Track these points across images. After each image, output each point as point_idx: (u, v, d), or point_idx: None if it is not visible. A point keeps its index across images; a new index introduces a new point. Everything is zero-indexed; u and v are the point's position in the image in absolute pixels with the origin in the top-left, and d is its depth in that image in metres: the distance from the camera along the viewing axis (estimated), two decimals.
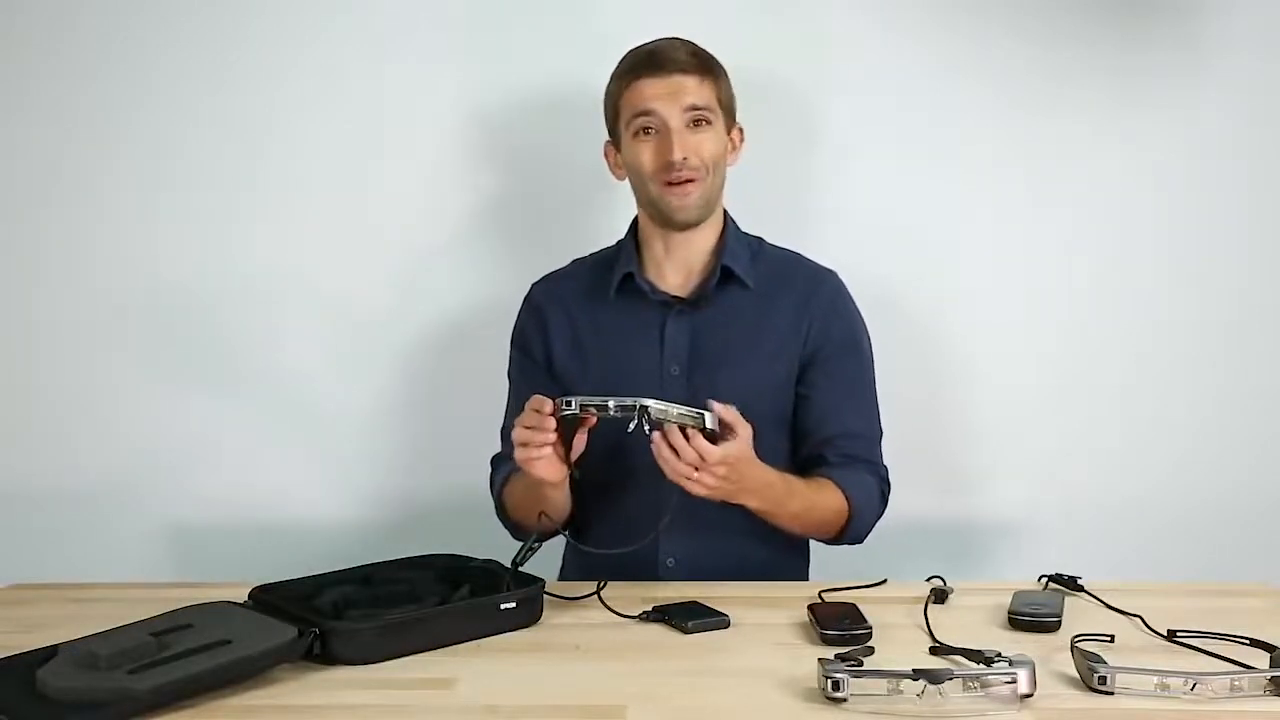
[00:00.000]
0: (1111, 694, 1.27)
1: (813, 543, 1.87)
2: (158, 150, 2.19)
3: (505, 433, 1.84)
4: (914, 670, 1.25)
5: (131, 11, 2.16)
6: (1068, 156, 2.14)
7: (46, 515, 2.21)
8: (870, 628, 1.45)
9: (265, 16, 2.16)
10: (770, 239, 1.90)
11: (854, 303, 1.87)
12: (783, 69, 2.12)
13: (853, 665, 1.29)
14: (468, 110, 2.18)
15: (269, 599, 1.49)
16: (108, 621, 1.43)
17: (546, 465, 1.59)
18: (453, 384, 2.21)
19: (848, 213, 2.14)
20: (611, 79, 1.82)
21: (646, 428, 1.52)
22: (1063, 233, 2.16)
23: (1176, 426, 2.18)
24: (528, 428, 1.58)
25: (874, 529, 1.82)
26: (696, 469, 1.54)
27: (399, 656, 1.40)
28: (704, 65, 1.78)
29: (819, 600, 1.57)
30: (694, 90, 1.76)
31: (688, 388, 1.77)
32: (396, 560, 1.65)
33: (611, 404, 1.53)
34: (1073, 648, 1.35)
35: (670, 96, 1.75)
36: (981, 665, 1.28)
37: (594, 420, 1.58)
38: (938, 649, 1.40)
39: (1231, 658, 1.37)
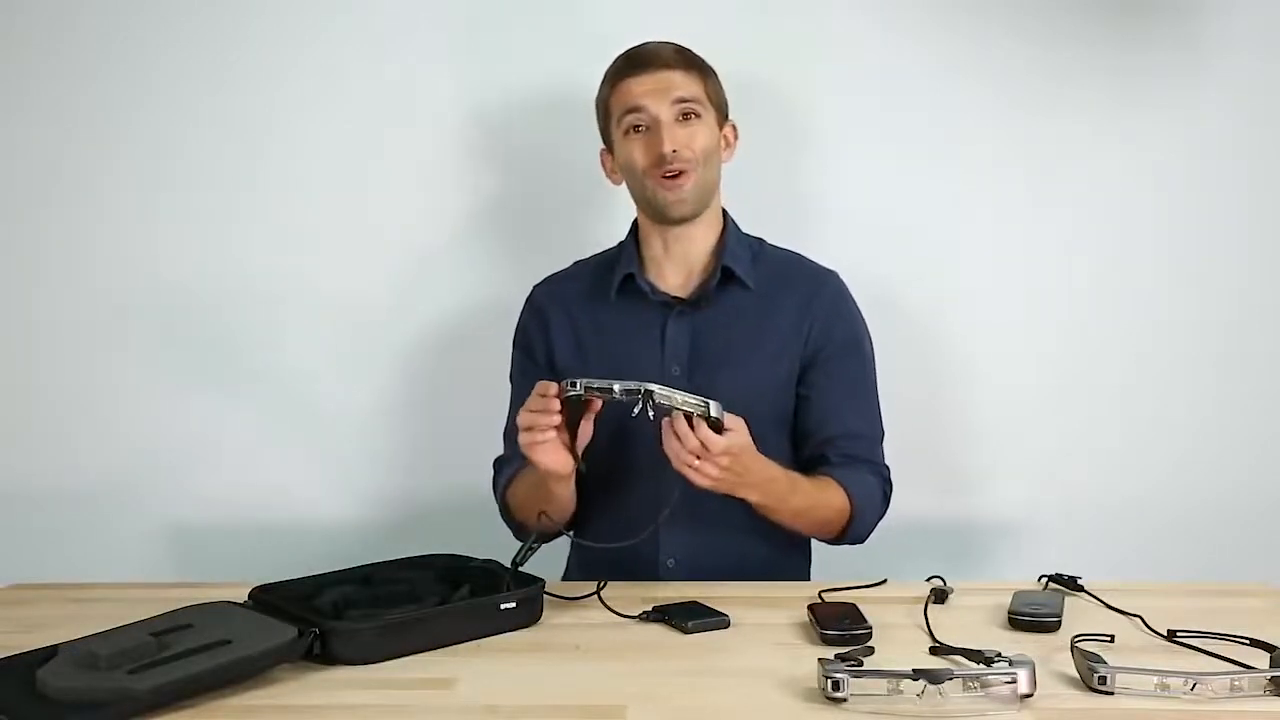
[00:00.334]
0: (1111, 694, 1.27)
1: (814, 542, 1.87)
2: (158, 150, 2.19)
3: (508, 434, 1.84)
4: (914, 670, 1.25)
5: (131, 11, 2.16)
6: (1068, 156, 2.14)
7: (46, 515, 2.21)
8: (870, 628, 1.45)
9: (265, 16, 2.16)
10: (770, 239, 1.90)
11: (855, 303, 1.87)
12: (782, 69, 2.13)
13: (853, 665, 1.29)
14: (467, 110, 2.18)
15: (269, 599, 1.49)
16: (108, 621, 1.42)
17: (551, 452, 1.59)
18: (452, 384, 2.21)
19: (847, 213, 2.14)
20: (601, 84, 1.83)
21: (651, 413, 1.52)
22: (1063, 233, 2.16)
23: (1176, 426, 2.18)
24: (533, 411, 1.58)
25: (875, 529, 1.82)
26: (699, 458, 1.54)
27: (399, 656, 1.40)
28: (689, 61, 1.79)
29: (819, 600, 1.57)
30: (681, 84, 1.77)
31: (688, 389, 1.76)
32: (396, 560, 1.65)
33: (617, 387, 1.53)
34: (1073, 648, 1.35)
35: (658, 92, 1.76)
36: (981, 665, 1.28)
37: (599, 405, 1.59)
38: (938, 649, 1.40)
39: (1231, 658, 1.37)
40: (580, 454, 1.63)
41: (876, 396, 1.86)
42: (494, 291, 2.14)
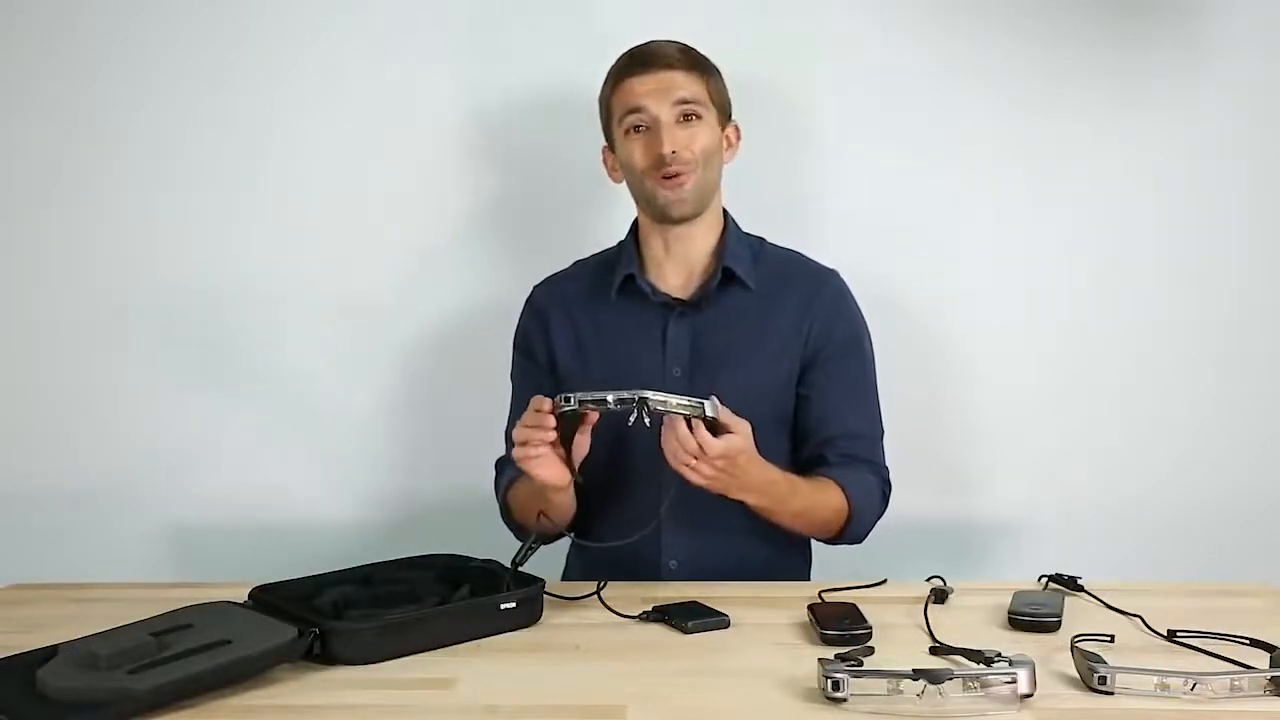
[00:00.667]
0: (1111, 694, 1.27)
1: (814, 543, 1.87)
2: (158, 150, 2.19)
3: (509, 435, 1.84)
4: (914, 670, 1.25)
5: (131, 12, 2.16)
6: (1067, 156, 2.14)
7: (46, 515, 2.22)
8: (870, 628, 1.45)
9: (265, 16, 2.16)
10: (770, 239, 1.90)
11: (856, 303, 1.87)
12: (782, 69, 2.12)
13: (853, 665, 1.29)
14: (468, 110, 2.18)
15: (269, 599, 1.49)
16: (108, 621, 1.42)
17: (546, 466, 1.59)
18: (452, 384, 2.21)
19: (848, 212, 2.14)
20: (603, 82, 1.83)
21: (647, 420, 1.52)
22: (1063, 233, 2.16)
23: (1176, 426, 2.18)
24: (528, 426, 1.58)
25: (874, 529, 1.81)
26: (696, 458, 1.54)
27: (399, 656, 1.40)
28: (692, 61, 1.79)
29: (819, 600, 1.57)
30: (682, 84, 1.76)
31: (689, 389, 1.75)
32: (396, 560, 1.65)
33: (610, 398, 1.53)
34: (1073, 648, 1.35)
35: (659, 92, 1.76)
36: (981, 665, 1.28)
37: (595, 417, 1.58)
38: (938, 649, 1.40)
39: (1231, 658, 1.37)
40: (577, 467, 1.63)
41: (876, 396, 1.86)
42: (494, 292, 2.14)
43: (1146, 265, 2.17)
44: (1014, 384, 2.18)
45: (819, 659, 1.30)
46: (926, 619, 1.51)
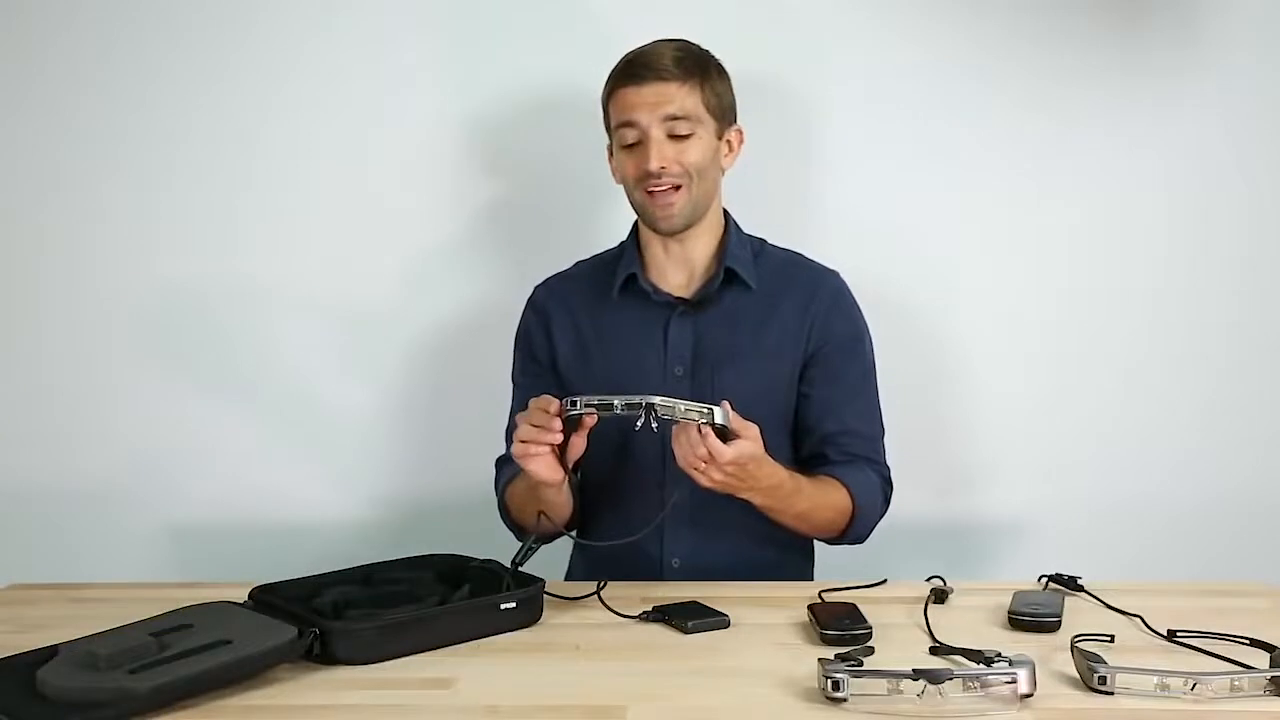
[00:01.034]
0: (1111, 694, 1.27)
1: (815, 542, 1.87)
2: (158, 150, 2.19)
3: (510, 435, 1.84)
4: (914, 670, 1.25)
5: (131, 13, 2.16)
6: (1068, 156, 2.14)
7: (46, 515, 2.22)
8: (870, 628, 1.45)
9: (265, 17, 2.16)
10: (770, 239, 1.90)
11: (856, 302, 1.87)
12: (782, 69, 2.13)
13: (853, 665, 1.29)
14: (469, 111, 2.17)
15: (269, 599, 1.49)
16: (108, 621, 1.43)
17: (544, 464, 1.59)
18: (453, 384, 2.21)
19: (847, 212, 2.14)
20: (605, 82, 1.82)
21: (654, 426, 1.51)
22: (1063, 232, 2.16)
23: (1176, 426, 2.18)
24: (534, 425, 1.58)
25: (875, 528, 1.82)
26: (706, 463, 1.54)
27: (399, 656, 1.40)
28: (689, 70, 1.76)
29: (819, 600, 1.57)
30: (675, 98, 1.74)
31: (691, 389, 1.77)
32: (396, 560, 1.65)
33: (618, 403, 1.52)
34: (1073, 648, 1.35)
35: (649, 106, 1.74)
36: (981, 665, 1.28)
37: (594, 420, 1.58)
38: (938, 649, 1.40)
39: (1231, 658, 1.37)
40: (571, 465, 1.63)
41: (877, 395, 1.86)
42: (494, 292, 2.14)
43: (1147, 265, 2.17)
44: (1014, 384, 2.18)
45: (819, 659, 1.30)
46: (926, 619, 1.51)
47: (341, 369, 2.22)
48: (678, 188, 1.75)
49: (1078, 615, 1.52)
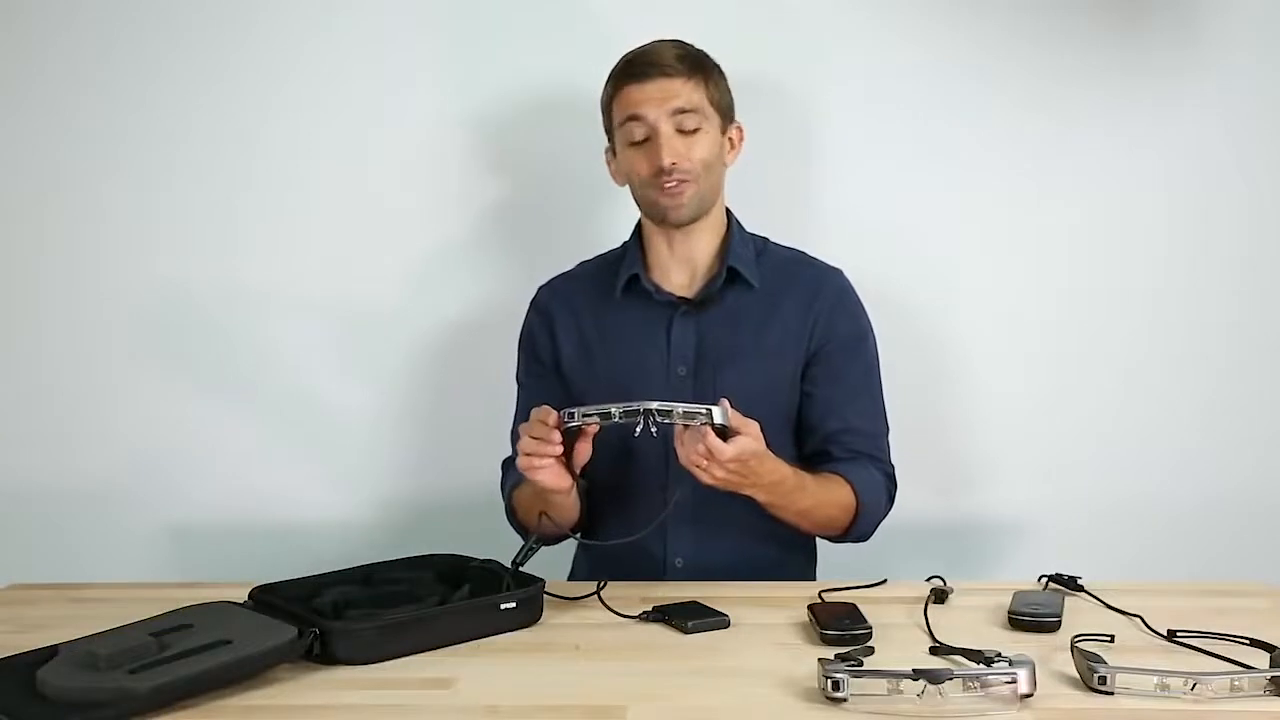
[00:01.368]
0: (1111, 694, 1.27)
1: (817, 541, 1.87)
2: (158, 150, 2.19)
3: (515, 436, 1.84)
4: (914, 670, 1.25)
5: (131, 13, 2.16)
6: (1067, 156, 2.14)
7: (46, 515, 2.22)
8: (870, 628, 1.45)
9: (266, 17, 2.16)
10: (773, 239, 1.90)
11: (859, 300, 1.87)
12: (782, 69, 2.13)
13: (853, 665, 1.29)
14: (470, 111, 2.17)
15: (269, 599, 1.49)
16: (108, 621, 1.43)
17: (550, 475, 1.60)
18: (453, 385, 2.21)
19: (847, 212, 2.14)
20: (604, 85, 1.82)
21: (653, 431, 1.51)
22: (1063, 232, 2.16)
23: (1176, 426, 2.18)
24: (534, 438, 1.58)
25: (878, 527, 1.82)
26: (707, 460, 1.54)
27: (399, 656, 1.40)
28: (692, 66, 1.77)
29: (819, 600, 1.57)
30: (681, 92, 1.75)
31: (694, 388, 1.77)
32: (396, 560, 1.65)
33: (615, 410, 1.52)
34: (1073, 648, 1.35)
35: (656, 101, 1.75)
36: (981, 665, 1.28)
37: (596, 428, 1.58)
38: (938, 649, 1.40)
39: (1231, 658, 1.37)
40: (579, 470, 1.63)
41: (881, 393, 1.86)
42: (495, 293, 2.14)
43: (1147, 265, 2.17)
44: (1014, 384, 2.18)
45: (819, 659, 1.30)
46: (926, 619, 1.51)
47: (341, 369, 2.22)
48: (687, 183, 1.75)
49: (1078, 615, 1.52)
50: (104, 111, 2.18)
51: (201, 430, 2.22)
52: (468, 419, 2.13)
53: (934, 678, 1.24)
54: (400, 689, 1.33)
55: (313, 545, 2.10)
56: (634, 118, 1.76)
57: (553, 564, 1.84)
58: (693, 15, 1.98)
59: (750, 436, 1.55)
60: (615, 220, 1.98)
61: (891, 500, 1.83)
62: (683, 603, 1.56)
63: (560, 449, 1.58)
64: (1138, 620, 1.50)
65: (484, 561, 1.61)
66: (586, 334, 1.86)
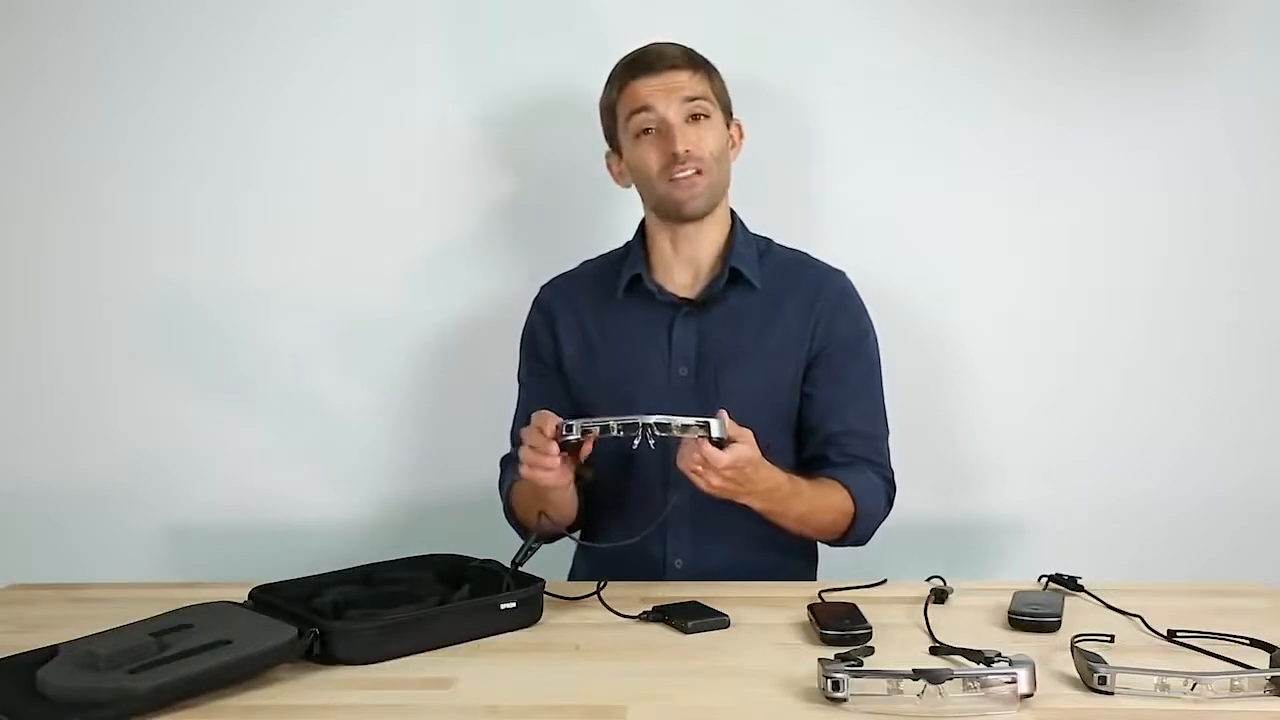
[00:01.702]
0: (1111, 694, 1.27)
1: (819, 546, 1.87)
2: (158, 150, 2.19)
3: (514, 434, 1.84)
4: (914, 670, 1.25)
5: (131, 13, 2.16)
6: (1067, 156, 2.14)
7: (46, 515, 2.22)
8: (870, 628, 1.45)
9: (265, 17, 2.16)
10: (774, 239, 1.90)
11: (861, 302, 1.87)
12: (783, 69, 2.13)
13: (853, 665, 1.29)
14: (470, 111, 2.17)
15: (269, 599, 1.49)
16: (108, 621, 1.43)
17: (552, 475, 1.59)
18: (453, 385, 2.21)
19: (848, 212, 2.14)
20: (605, 88, 1.82)
21: (652, 443, 1.51)
22: (1063, 232, 2.16)
23: (1176, 426, 2.18)
24: (531, 447, 1.57)
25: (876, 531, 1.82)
26: (703, 467, 1.54)
27: (399, 656, 1.40)
28: (696, 61, 1.79)
29: (819, 600, 1.57)
30: (689, 84, 1.76)
31: (695, 388, 1.77)
32: (396, 560, 1.65)
33: (614, 424, 1.52)
34: (1073, 648, 1.35)
35: (666, 92, 1.75)
36: (981, 665, 1.28)
37: (596, 435, 1.58)
38: (938, 649, 1.40)
39: (1231, 658, 1.37)
40: (583, 460, 1.62)
41: (882, 396, 1.85)
42: (495, 292, 2.14)
43: (1147, 265, 2.17)
44: (1014, 384, 2.18)
45: (819, 659, 1.29)
46: (926, 619, 1.51)
47: (341, 369, 2.21)
48: (700, 173, 1.76)
49: (1078, 615, 1.52)
50: (104, 111, 2.18)
51: (201, 430, 2.22)
52: (468, 419, 2.13)
53: (934, 678, 1.24)
54: (400, 689, 1.33)
55: (313, 545, 2.10)
56: (643, 109, 1.76)
57: (553, 564, 1.84)
58: (693, 15, 1.98)
59: (744, 444, 1.55)
60: (616, 220, 1.98)
61: (890, 504, 1.82)
62: (683, 603, 1.56)
63: (558, 461, 1.57)
64: (1138, 620, 1.50)
65: (484, 561, 1.61)
66: (588, 333, 1.86)
